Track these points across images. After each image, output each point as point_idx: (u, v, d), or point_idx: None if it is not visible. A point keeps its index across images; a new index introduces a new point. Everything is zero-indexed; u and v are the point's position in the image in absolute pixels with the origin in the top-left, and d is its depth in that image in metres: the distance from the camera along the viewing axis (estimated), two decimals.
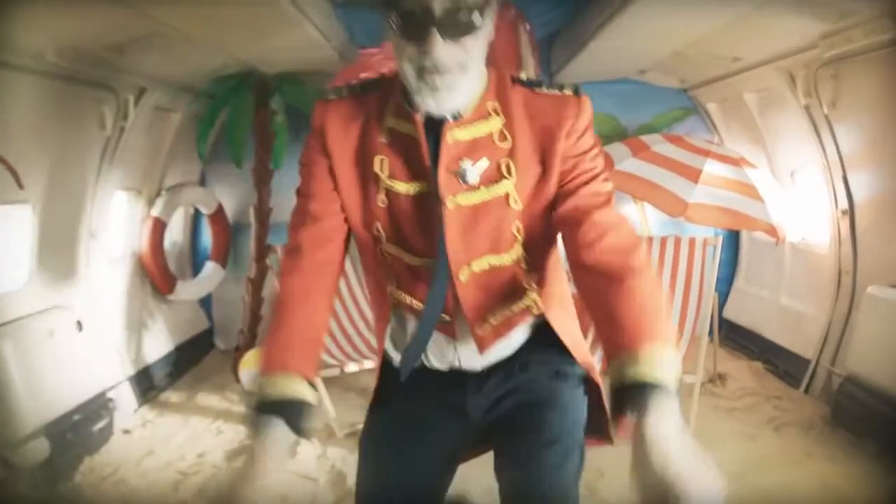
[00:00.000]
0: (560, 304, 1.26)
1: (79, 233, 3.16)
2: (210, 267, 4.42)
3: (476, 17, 0.99)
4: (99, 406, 3.05)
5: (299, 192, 1.20)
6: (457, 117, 1.09)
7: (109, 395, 3.16)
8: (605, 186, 1.13)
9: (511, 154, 1.11)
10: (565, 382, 1.23)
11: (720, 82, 3.93)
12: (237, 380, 3.77)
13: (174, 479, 2.79)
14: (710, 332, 3.25)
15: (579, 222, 1.08)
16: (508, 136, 1.11)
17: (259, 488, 0.93)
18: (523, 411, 1.20)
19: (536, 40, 3.89)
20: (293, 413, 1.02)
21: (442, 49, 0.97)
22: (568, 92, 1.14)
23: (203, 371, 4.19)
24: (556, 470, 1.12)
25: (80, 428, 2.88)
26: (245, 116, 3.91)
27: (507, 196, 1.12)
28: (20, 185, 2.57)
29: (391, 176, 1.13)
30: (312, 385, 1.08)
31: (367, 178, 1.15)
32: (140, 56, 2.90)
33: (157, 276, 3.90)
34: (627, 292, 0.98)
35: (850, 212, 3.23)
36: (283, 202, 3.66)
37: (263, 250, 3.99)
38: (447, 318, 1.19)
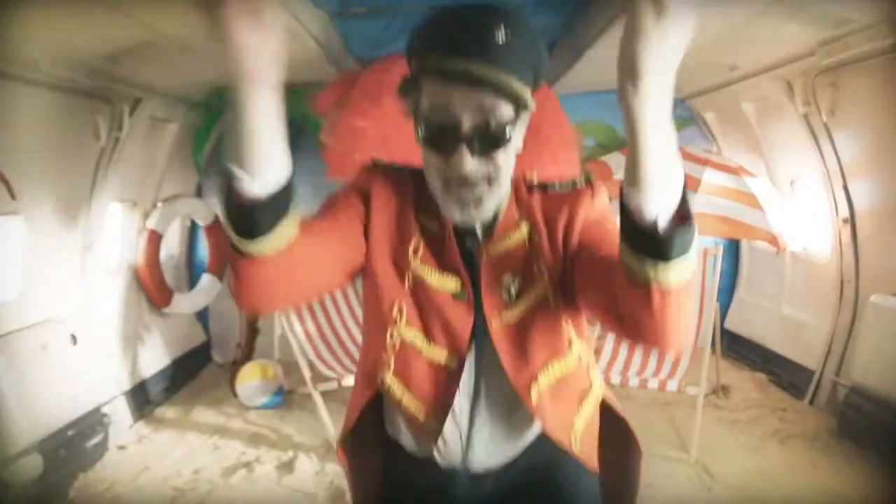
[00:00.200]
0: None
1: (73, 245, 3.13)
2: (207, 279, 4.37)
3: (506, 131, 0.97)
4: (93, 421, 3.01)
5: (318, 212, 1.12)
6: (486, 228, 1.09)
7: (104, 410, 3.12)
8: None
9: (540, 256, 1.09)
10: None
11: (718, 91, 3.92)
12: (234, 394, 3.72)
13: (170, 496, 2.74)
14: (713, 344, 3.22)
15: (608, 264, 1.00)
16: (535, 240, 1.10)
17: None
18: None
19: None
20: None
21: (470, 163, 0.96)
22: (580, 185, 1.13)
23: (200, 385, 4.14)
24: None
25: (74, 444, 2.84)
26: None
27: (547, 297, 1.09)
28: (13, 196, 2.55)
29: (423, 262, 1.10)
30: None
31: (398, 257, 1.11)
32: (135, 66, 2.89)
33: (152, 288, 3.85)
34: None
35: (852, 220, 3.21)
36: None
37: None
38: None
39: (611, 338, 3.10)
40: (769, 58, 3.22)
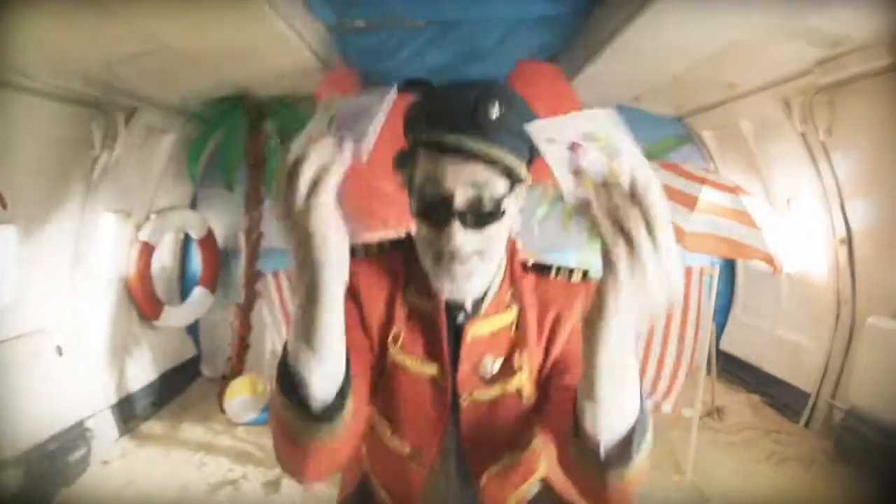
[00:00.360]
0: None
1: (64, 254, 3.09)
2: (198, 292, 4.33)
3: (500, 205, 0.95)
4: (76, 435, 2.95)
5: None
6: (476, 304, 1.06)
7: (88, 424, 3.06)
8: None
9: (522, 346, 1.07)
10: None
11: (715, 109, 3.92)
12: (222, 410, 3.66)
13: None
14: (708, 365, 3.18)
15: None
16: (522, 328, 1.07)
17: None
18: None
19: None
20: None
21: (461, 237, 0.94)
22: (577, 279, 1.11)
23: (188, 400, 4.09)
24: None
25: (56, 458, 2.78)
26: (238, 140, 3.89)
27: (520, 391, 1.07)
28: (4, 205, 2.51)
29: (403, 349, 1.07)
30: None
31: (380, 345, 1.09)
32: (132, 75, 2.87)
33: (143, 301, 3.81)
34: None
35: (849, 240, 3.19)
36: (274, 228, 3.59)
37: (253, 276, 3.92)
38: None
39: None
40: (767, 76, 3.22)
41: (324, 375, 0.78)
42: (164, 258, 4.27)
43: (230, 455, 3.23)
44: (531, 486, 1.17)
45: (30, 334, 2.82)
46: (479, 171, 0.93)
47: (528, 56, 3.58)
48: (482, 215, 0.94)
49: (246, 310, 3.93)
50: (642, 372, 3.00)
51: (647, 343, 2.96)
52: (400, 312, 1.08)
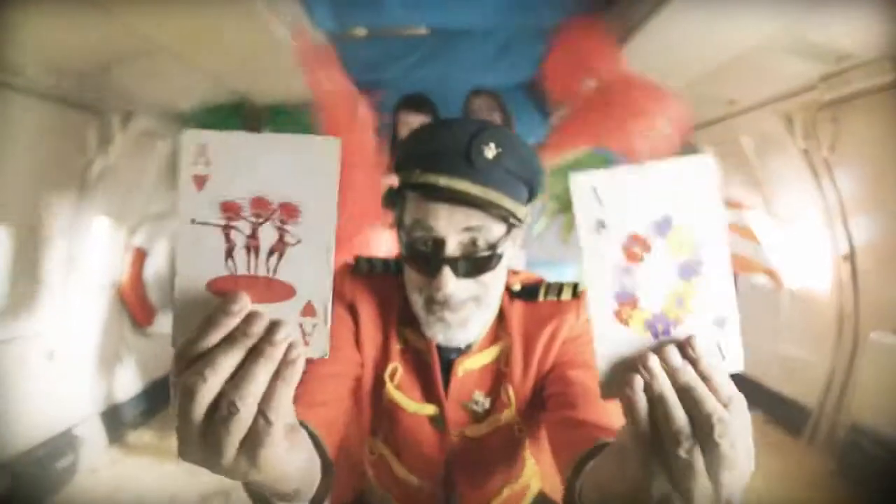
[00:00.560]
0: None
1: (55, 258, 3.03)
2: None
3: (496, 252, 0.89)
4: (64, 443, 2.88)
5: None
6: (469, 347, 1.02)
7: (76, 431, 2.99)
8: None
9: (510, 380, 1.03)
10: None
11: (716, 125, 3.91)
12: None
13: None
14: None
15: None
16: (510, 363, 1.03)
17: None
18: None
19: (521, 81, 3.83)
20: None
21: (454, 285, 0.88)
22: (566, 296, 1.05)
23: None
24: None
25: (43, 465, 2.71)
26: None
27: (511, 425, 1.04)
28: None
29: (399, 387, 1.04)
30: None
31: (377, 378, 1.05)
32: (127, 77, 2.83)
33: (136, 307, 3.75)
34: None
35: (851, 256, 3.17)
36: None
37: None
38: None
39: None
40: (769, 92, 3.21)
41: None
42: (158, 264, 4.20)
43: None
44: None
45: (19, 339, 2.76)
46: (473, 216, 0.87)
47: (529, 66, 3.56)
48: (476, 261, 0.88)
49: None
50: None
51: None
52: (395, 347, 1.04)
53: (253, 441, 0.49)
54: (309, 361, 0.53)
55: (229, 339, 0.50)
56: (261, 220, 0.53)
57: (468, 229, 0.87)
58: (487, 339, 1.03)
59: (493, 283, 0.93)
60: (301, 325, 0.52)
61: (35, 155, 2.74)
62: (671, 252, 0.50)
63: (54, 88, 2.61)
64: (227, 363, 0.49)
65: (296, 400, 0.54)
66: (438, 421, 1.03)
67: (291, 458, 0.55)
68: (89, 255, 3.35)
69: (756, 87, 3.22)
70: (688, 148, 4.45)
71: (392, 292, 1.05)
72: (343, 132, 2.31)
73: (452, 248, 0.87)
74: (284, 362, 0.50)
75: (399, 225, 0.94)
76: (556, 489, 1.13)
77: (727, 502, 0.52)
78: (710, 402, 0.50)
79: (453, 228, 0.87)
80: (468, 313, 0.92)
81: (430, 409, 1.03)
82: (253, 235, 0.53)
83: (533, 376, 1.02)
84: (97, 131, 3.02)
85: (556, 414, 0.94)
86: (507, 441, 1.04)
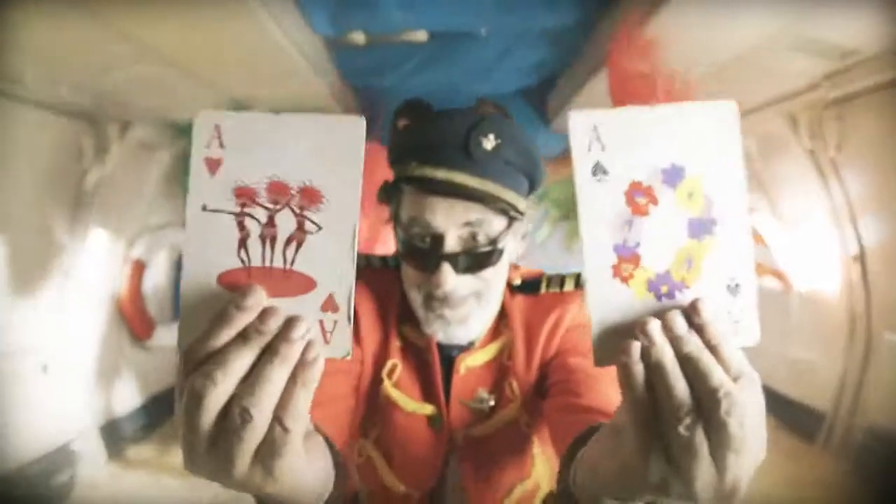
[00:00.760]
0: None
1: (52, 271, 3.00)
2: None
3: (497, 246, 0.86)
4: (60, 458, 2.85)
5: None
6: (471, 344, 0.98)
7: (73, 446, 2.96)
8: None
9: (513, 375, 0.99)
10: None
11: None
12: None
13: None
14: None
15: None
16: (512, 356, 1.00)
17: None
18: None
19: (521, 88, 3.81)
20: None
21: (454, 281, 0.85)
22: (569, 287, 1.02)
23: None
24: None
25: (41, 480, 2.69)
26: None
27: (517, 420, 1.00)
28: None
29: (397, 385, 1.00)
30: None
31: (374, 372, 1.01)
32: (125, 86, 2.81)
33: (134, 320, 3.72)
34: None
35: (861, 257, 3.12)
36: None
37: None
38: None
39: None
40: (773, 91, 3.17)
41: None
42: (157, 276, 4.17)
43: None
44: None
45: (14, 352, 2.72)
46: (472, 210, 0.83)
47: (529, 71, 3.55)
48: (477, 256, 0.85)
49: None
50: None
51: None
52: (394, 343, 1.00)
53: (269, 451, 0.44)
54: (329, 362, 0.48)
55: (242, 338, 0.45)
56: (278, 207, 0.49)
57: (468, 224, 0.84)
58: (489, 335, 1.00)
59: (494, 279, 0.90)
60: (321, 322, 0.48)
61: (31, 164, 2.72)
62: (682, 206, 0.45)
63: (51, 97, 2.59)
64: (240, 364, 0.44)
65: None
66: (437, 421, 0.99)
67: (310, 468, 0.50)
68: (87, 266, 3.32)
69: (759, 86, 3.18)
70: None
71: (391, 287, 1.02)
72: None
73: (452, 243, 0.84)
74: (302, 363, 0.45)
75: (395, 220, 0.91)
76: None
77: (732, 489, 0.45)
78: (717, 375, 0.44)
79: (452, 223, 0.84)
80: (469, 310, 0.90)
81: (429, 409, 1.00)
82: (269, 223, 0.49)
83: (536, 366, 0.99)
84: (94, 141, 3.00)
85: (557, 401, 0.90)
86: (515, 438, 1.00)
